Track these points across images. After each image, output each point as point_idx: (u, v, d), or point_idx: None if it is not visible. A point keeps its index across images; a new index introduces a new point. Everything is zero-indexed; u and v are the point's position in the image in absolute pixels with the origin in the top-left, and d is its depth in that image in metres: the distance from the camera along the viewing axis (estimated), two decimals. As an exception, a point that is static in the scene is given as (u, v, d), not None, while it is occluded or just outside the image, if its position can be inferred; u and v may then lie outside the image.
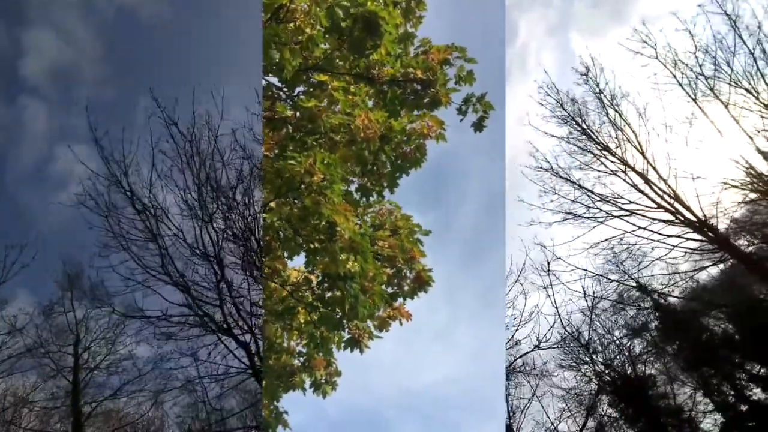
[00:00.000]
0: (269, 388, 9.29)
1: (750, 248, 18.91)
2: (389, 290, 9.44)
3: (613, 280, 19.94)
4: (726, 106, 18.29)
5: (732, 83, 18.21)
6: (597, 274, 19.95)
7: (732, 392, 17.87)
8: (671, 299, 19.81)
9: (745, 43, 18.14)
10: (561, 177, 20.35)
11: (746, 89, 18.14)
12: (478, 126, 10.14)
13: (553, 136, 20.72)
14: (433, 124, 10.08)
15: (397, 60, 9.52)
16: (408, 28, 10.06)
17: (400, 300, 9.63)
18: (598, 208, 19.68)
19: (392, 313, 9.74)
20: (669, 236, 18.83)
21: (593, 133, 20.07)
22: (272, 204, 8.28)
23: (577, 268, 19.73)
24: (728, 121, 18.22)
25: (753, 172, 17.94)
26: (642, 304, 20.47)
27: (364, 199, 10.19)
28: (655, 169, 19.12)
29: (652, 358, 20.48)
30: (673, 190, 18.73)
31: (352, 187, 10.29)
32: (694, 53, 18.82)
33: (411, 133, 10.08)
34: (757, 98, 17.96)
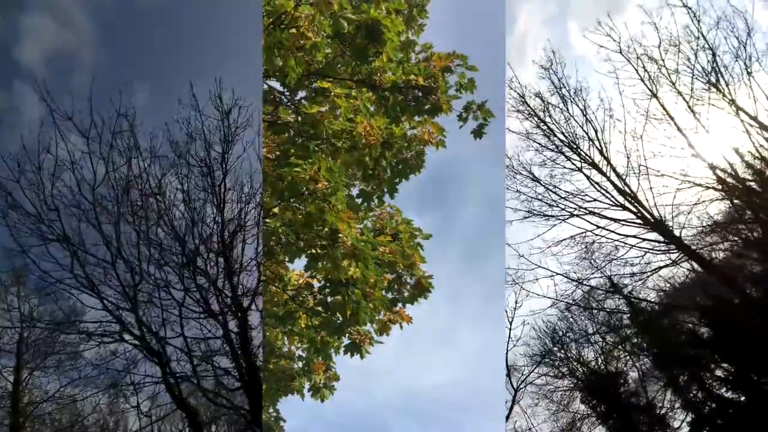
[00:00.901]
0: (268, 391, 9.36)
1: (723, 245, 18.83)
2: (389, 295, 9.52)
3: (574, 280, 19.42)
4: (687, 102, 18.12)
5: (697, 78, 18.11)
6: (557, 273, 19.44)
7: (701, 391, 17.93)
8: (643, 298, 19.64)
9: (704, 38, 17.98)
10: (521, 173, 19.83)
11: (713, 84, 17.98)
12: (478, 133, 10.25)
13: (511, 131, 20.20)
14: (433, 131, 10.19)
15: (398, 67, 9.60)
16: (410, 36, 10.15)
17: (401, 305, 9.72)
18: (558, 206, 19.31)
19: (393, 316, 9.83)
20: (628, 236, 18.63)
21: (557, 128, 19.67)
22: (275, 209, 8.34)
23: (538, 266, 19.39)
24: (692, 117, 18.06)
25: (716, 169, 17.86)
26: (610, 303, 20.25)
27: (365, 203, 10.28)
28: (612, 167, 18.80)
29: (624, 356, 20.42)
30: (631, 190, 18.49)
31: (354, 192, 10.41)
32: (658, 47, 18.47)
33: (412, 139, 10.19)
34: (722, 93, 17.89)
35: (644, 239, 18.47)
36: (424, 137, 10.16)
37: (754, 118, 17.55)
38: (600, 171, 18.94)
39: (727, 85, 17.95)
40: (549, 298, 19.44)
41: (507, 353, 20.65)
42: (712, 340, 17.42)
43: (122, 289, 11.54)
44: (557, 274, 19.36)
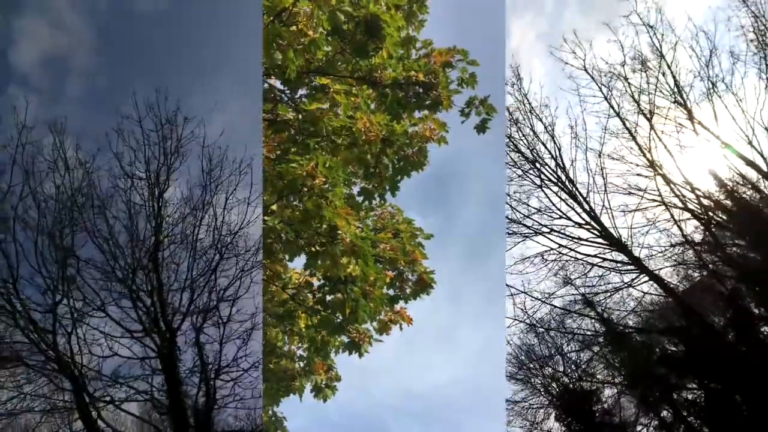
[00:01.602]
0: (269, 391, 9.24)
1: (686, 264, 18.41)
2: (391, 292, 9.40)
3: (536, 299, 18.63)
4: (650, 121, 17.83)
5: (662, 96, 17.91)
6: (520, 291, 18.63)
7: (671, 411, 17.56)
8: (611, 316, 19.12)
9: (663, 57, 17.81)
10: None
11: (679, 103, 17.77)
12: (481, 128, 10.11)
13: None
14: (435, 127, 10.09)
15: (399, 63, 9.50)
16: (410, 32, 10.06)
17: (402, 303, 9.61)
18: (522, 223, 18.74)
19: (394, 317, 9.72)
20: (589, 255, 18.17)
21: (522, 145, 19.14)
22: (274, 207, 8.25)
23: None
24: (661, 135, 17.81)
25: (683, 187, 17.44)
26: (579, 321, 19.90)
27: (366, 202, 10.18)
28: (574, 184, 18.30)
29: (599, 374, 19.76)
30: (592, 209, 18.02)
31: (355, 190, 10.32)
32: (622, 65, 18.20)
33: (413, 136, 10.10)
34: (686, 112, 17.68)
35: (605, 259, 18.17)
36: (425, 134, 10.06)
37: (718, 137, 17.43)
38: (564, 189, 18.50)
39: (686, 105, 17.82)
40: (508, 318, 19.03)
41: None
42: (683, 360, 17.07)
43: (26, 308, 10.00)
44: (521, 292, 18.77)
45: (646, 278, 17.64)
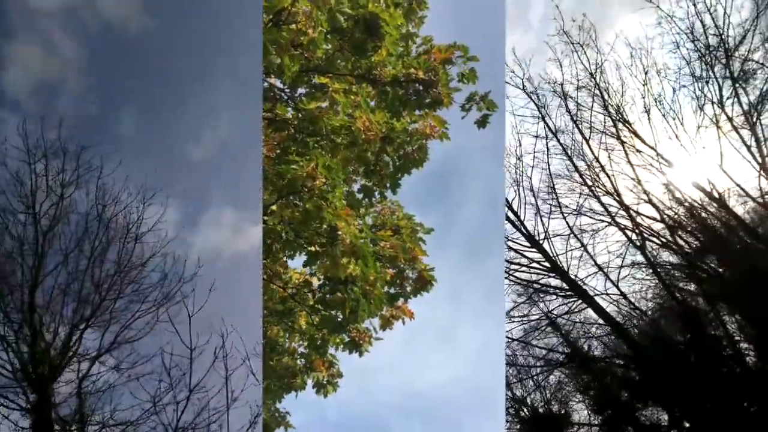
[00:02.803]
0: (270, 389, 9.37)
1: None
2: (391, 291, 9.47)
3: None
4: (588, 143, 17.97)
5: (603, 114, 17.96)
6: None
7: None
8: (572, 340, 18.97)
9: (593, 78, 17.86)
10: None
11: (617, 121, 17.84)
12: (482, 123, 10.07)
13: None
14: (435, 124, 10.07)
15: (398, 60, 9.48)
16: (410, 28, 10.01)
17: (402, 299, 9.68)
18: None
19: (395, 312, 9.79)
20: (528, 282, 18.17)
21: None
22: (273, 207, 8.31)
23: None
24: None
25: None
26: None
27: (366, 199, 10.21)
28: (514, 211, 18.27)
29: (569, 396, 19.66)
30: (528, 232, 17.99)
31: (355, 187, 10.35)
32: (561, 84, 18.23)
33: (413, 133, 10.09)
34: (625, 127, 17.78)
35: (543, 285, 18.18)
36: (425, 131, 10.05)
37: (659, 154, 17.47)
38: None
39: (618, 123, 17.83)
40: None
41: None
42: (644, 385, 16.98)
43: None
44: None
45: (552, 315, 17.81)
